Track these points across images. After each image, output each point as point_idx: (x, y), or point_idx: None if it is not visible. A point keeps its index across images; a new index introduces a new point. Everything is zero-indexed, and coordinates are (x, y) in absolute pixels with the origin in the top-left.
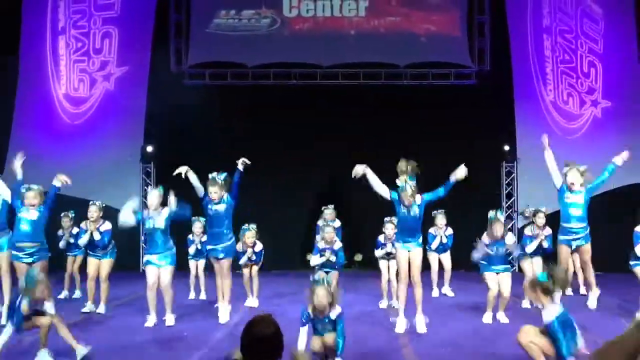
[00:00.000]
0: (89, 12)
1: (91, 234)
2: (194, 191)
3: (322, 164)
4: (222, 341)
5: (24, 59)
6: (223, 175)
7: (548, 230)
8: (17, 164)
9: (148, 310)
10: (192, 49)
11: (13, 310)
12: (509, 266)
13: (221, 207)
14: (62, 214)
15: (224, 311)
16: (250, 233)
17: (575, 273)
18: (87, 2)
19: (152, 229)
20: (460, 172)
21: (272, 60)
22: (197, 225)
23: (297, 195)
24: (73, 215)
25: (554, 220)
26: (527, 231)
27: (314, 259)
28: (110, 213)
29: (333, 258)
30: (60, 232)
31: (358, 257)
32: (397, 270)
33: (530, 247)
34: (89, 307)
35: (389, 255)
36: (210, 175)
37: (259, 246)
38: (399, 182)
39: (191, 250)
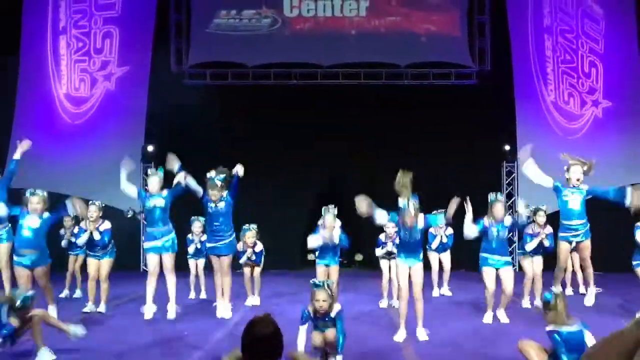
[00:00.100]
0: (89, 12)
1: (91, 233)
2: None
3: (322, 164)
4: (222, 341)
5: (25, 58)
6: (222, 177)
7: (549, 229)
8: (21, 149)
9: (145, 300)
10: (193, 49)
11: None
12: (509, 259)
13: (221, 205)
14: None
15: (223, 308)
16: (250, 233)
17: (574, 272)
18: (88, 1)
19: (152, 207)
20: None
21: (272, 60)
22: (197, 225)
23: (297, 195)
24: (74, 214)
25: (554, 219)
26: (528, 230)
27: (312, 240)
28: (110, 213)
29: (334, 239)
30: (62, 232)
31: (358, 257)
32: (398, 285)
33: (531, 245)
34: (89, 307)
35: (389, 255)
36: (208, 175)
37: (259, 246)
38: (400, 200)
39: (190, 249)
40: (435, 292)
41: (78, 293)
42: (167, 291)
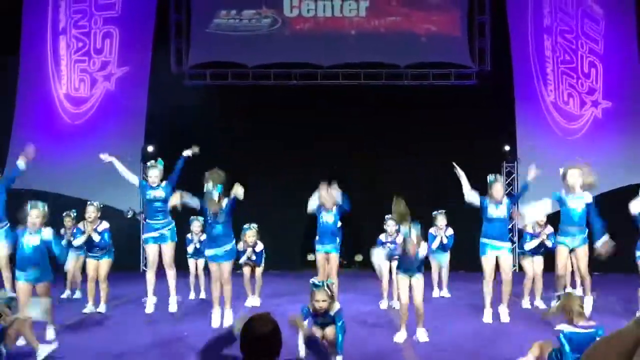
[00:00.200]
0: (89, 12)
1: (89, 236)
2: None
3: (322, 164)
4: (222, 342)
5: (25, 58)
6: (220, 187)
7: (550, 229)
8: (25, 158)
9: (146, 292)
10: (193, 49)
11: None
12: (509, 245)
13: (220, 216)
14: (64, 214)
15: (220, 316)
16: (251, 232)
17: (573, 272)
18: (88, 2)
19: (152, 199)
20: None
21: (272, 61)
22: (196, 224)
23: (297, 195)
24: (75, 214)
25: (555, 219)
26: (529, 229)
27: (311, 202)
28: (110, 213)
29: (333, 196)
30: (62, 232)
31: (358, 258)
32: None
33: (530, 245)
34: (89, 307)
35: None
36: (205, 189)
37: (259, 246)
38: (402, 228)
39: (190, 249)
40: (435, 293)
41: (78, 294)
42: (167, 286)
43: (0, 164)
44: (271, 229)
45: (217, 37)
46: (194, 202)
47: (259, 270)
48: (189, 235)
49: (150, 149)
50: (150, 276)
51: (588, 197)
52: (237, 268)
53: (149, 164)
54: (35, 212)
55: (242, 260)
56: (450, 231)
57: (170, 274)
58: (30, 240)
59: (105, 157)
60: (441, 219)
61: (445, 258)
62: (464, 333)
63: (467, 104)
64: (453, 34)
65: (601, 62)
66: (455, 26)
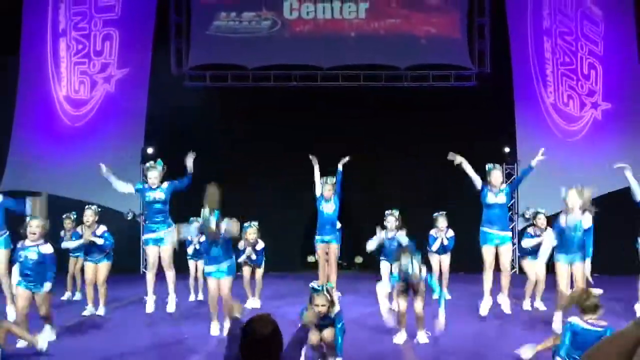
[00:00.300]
0: (89, 14)
1: (89, 240)
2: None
3: (322, 166)
4: (222, 343)
5: (25, 59)
6: (215, 218)
7: (550, 232)
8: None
9: (146, 293)
10: (193, 51)
11: None
12: (509, 235)
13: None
14: (64, 216)
15: (219, 329)
16: (251, 230)
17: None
18: (88, 4)
19: (152, 200)
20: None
21: (272, 62)
22: (195, 226)
23: (297, 196)
24: (75, 216)
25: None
26: (529, 230)
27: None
28: (110, 214)
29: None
30: (62, 234)
31: (358, 260)
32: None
33: (528, 242)
34: (89, 310)
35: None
36: (202, 217)
37: (260, 244)
38: (403, 260)
39: (190, 250)
40: (436, 295)
41: (78, 295)
42: (166, 287)
43: (0, 164)
44: (271, 230)
45: (217, 39)
46: (190, 231)
47: (259, 272)
48: (188, 237)
49: (150, 150)
50: (150, 277)
51: (587, 222)
52: (237, 270)
53: (148, 164)
54: (35, 222)
55: (242, 259)
56: (451, 233)
57: (170, 275)
58: (29, 255)
59: (103, 168)
60: (442, 221)
61: (446, 259)
62: (463, 334)
63: (466, 105)
64: (453, 36)
65: (601, 64)
66: (455, 28)
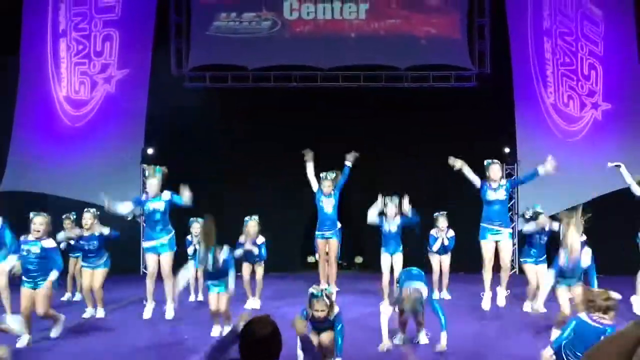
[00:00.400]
0: (89, 15)
1: (89, 242)
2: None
3: (322, 166)
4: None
5: (25, 59)
6: (211, 255)
7: (551, 272)
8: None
9: (145, 298)
10: (193, 52)
11: None
12: (509, 231)
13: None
14: (64, 216)
15: (220, 333)
16: (252, 222)
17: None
18: (88, 4)
19: (151, 211)
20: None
21: (272, 63)
22: (195, 226)
23: (297, 196)
24: (74, 217)
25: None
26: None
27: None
28: (110, 215)
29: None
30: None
31: (358, 260)
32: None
33: (529, 227)
34: (89, 312)
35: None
36: (198, 254)
37: (260, 239)
38: (406, 305)
39: (190, 250)
40: (436, 295)
41: (78, 296)
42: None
43: (0, 164)
44: (271, 230)
45: (217, 40)
46: (189, 272)
47: (260, 272)
48: (188, 237)
49: (150, 151)
50: (150, 284)
51: (586, 261)
52: (237, 270)
53: (147, 173)
54: (39, 219)
55: (238, 253)
56: (451, 233)
57: (168, 283)
58: (31, 249)
59: (106, 202)
60: (442, 221)
61: (446, 259)
62: (463, 334)
63: (467, 106)
64: (453, 37)
65: (601, 64)
66: (455, 28)
